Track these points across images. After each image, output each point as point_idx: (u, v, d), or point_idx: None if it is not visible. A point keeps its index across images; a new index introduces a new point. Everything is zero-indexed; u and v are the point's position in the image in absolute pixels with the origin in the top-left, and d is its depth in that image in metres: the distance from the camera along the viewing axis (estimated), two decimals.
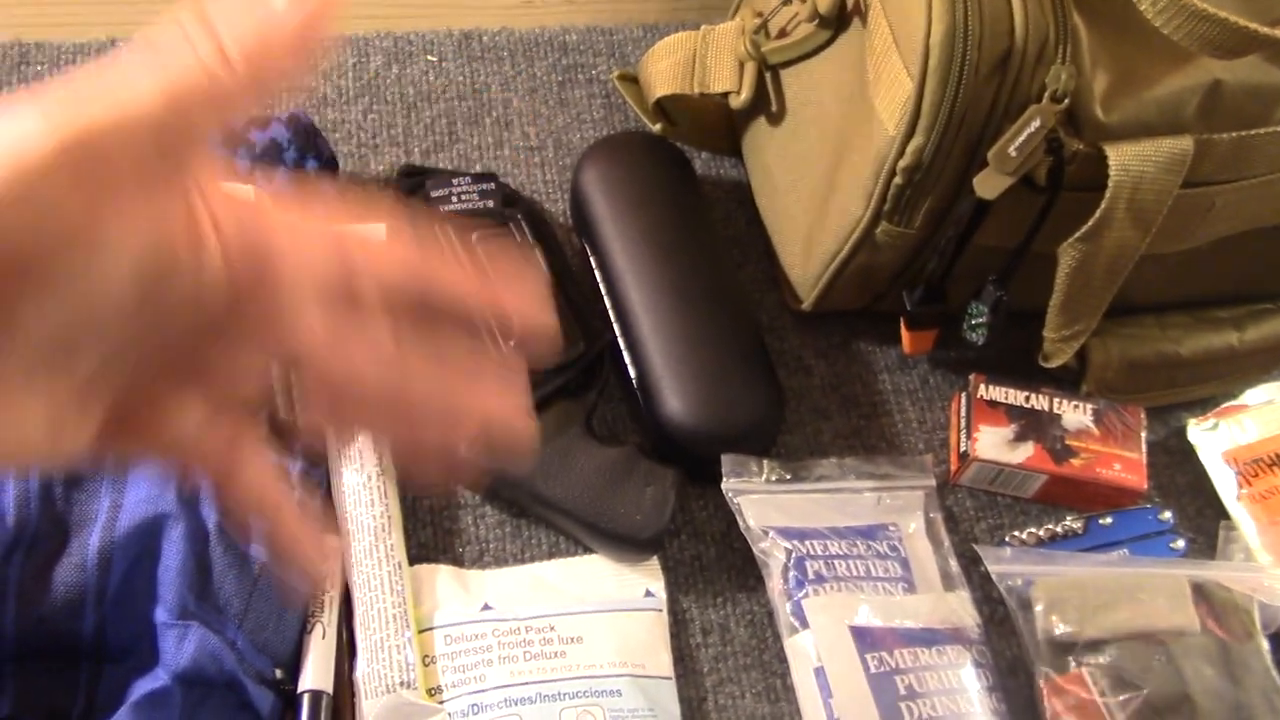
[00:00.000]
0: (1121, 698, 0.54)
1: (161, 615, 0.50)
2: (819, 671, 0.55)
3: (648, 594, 0.59)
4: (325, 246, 0.30)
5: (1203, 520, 0.66)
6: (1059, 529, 0.63)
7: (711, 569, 0.61)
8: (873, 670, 0.54)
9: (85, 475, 0.52)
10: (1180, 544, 0.63)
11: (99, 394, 0.28)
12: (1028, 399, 0.64)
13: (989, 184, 0.54)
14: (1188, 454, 0.67)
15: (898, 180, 0.57)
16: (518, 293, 0.33)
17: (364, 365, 0.31)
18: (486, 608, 0.57)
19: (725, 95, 0.67)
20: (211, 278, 0.28)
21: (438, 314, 0.32)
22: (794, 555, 0.58)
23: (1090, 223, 0.55)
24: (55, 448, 0.28)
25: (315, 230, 0.31)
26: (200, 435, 0.31)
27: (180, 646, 0.50)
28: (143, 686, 0.49)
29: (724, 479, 0.59)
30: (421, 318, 0.32)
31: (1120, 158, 0.54)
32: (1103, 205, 0.54)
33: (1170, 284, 0.65)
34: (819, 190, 0.63)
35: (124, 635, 0.51)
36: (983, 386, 0.64)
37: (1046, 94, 0.53)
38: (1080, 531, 0.63)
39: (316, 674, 0.53)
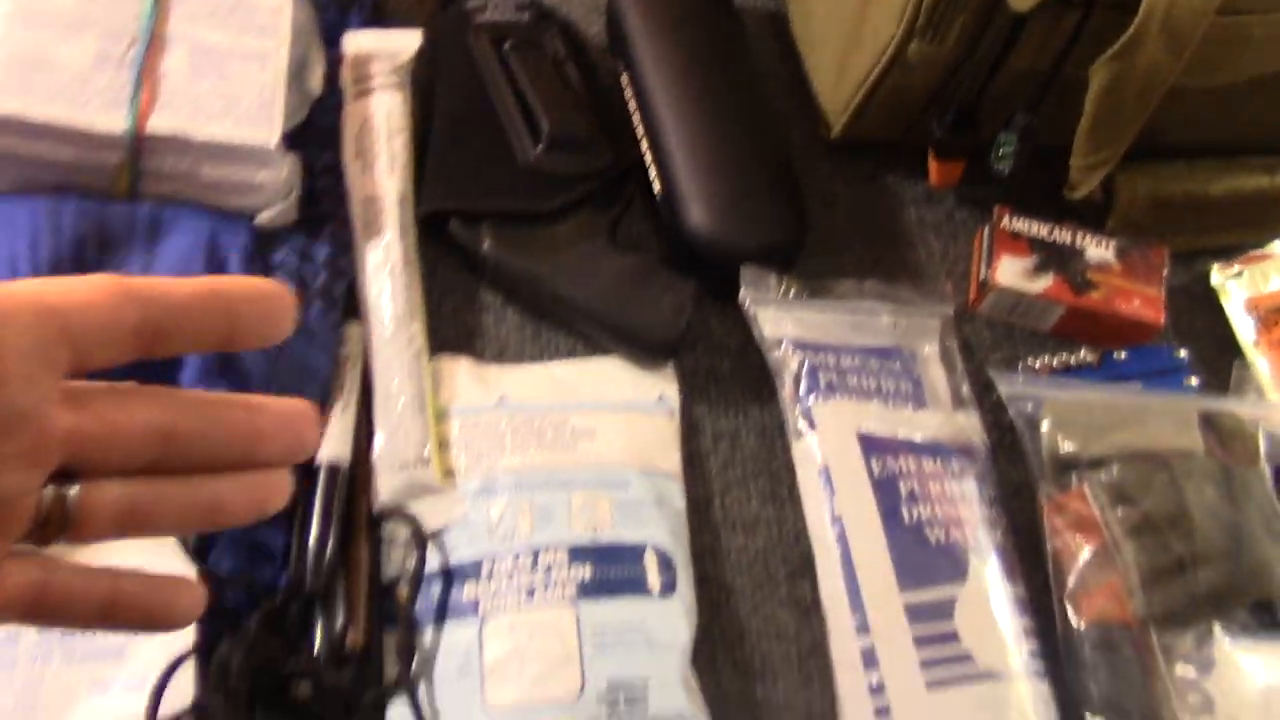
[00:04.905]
0: (1120, 512, 0.55)
1: (187, 376, 0.52)
2: (823, 471, 0.56)
3: (661, 398, 0.60)
4: (34, 319, 0.28)
5: (1220, 364, 0.66)
6: (1073, 360, 0.63)
7: (726, 381, 0.62)
8: (876, 474, 0.56)
9: (116, 236, 0.53)
10: (1194, 381, 0.63)
11: None
12: (1051, 232, 0.64)
13: None
14: (1209, 300, 0.67)
15: None
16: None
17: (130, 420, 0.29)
18: (503, 400, 0.59)
19: None
20: None
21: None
22: (807, 364, 0.59)
23: (1124, 38, 0.54)
24: None
25: (22, 303, 0.28)
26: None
27: None
28: None
29: (742, 289, 0.60)
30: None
31: None
32: (1136, 20, 0.54)
33: (1204, 125, 0.64)
34: (854, 13, 0.63)
35: None
36: (1006, 218, 0.64)
37: None
38: (1095, 364, 0.63)
39: (335, 446, 0.55)
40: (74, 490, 0.30)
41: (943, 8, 0.57)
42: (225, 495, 0.31)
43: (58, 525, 0.30)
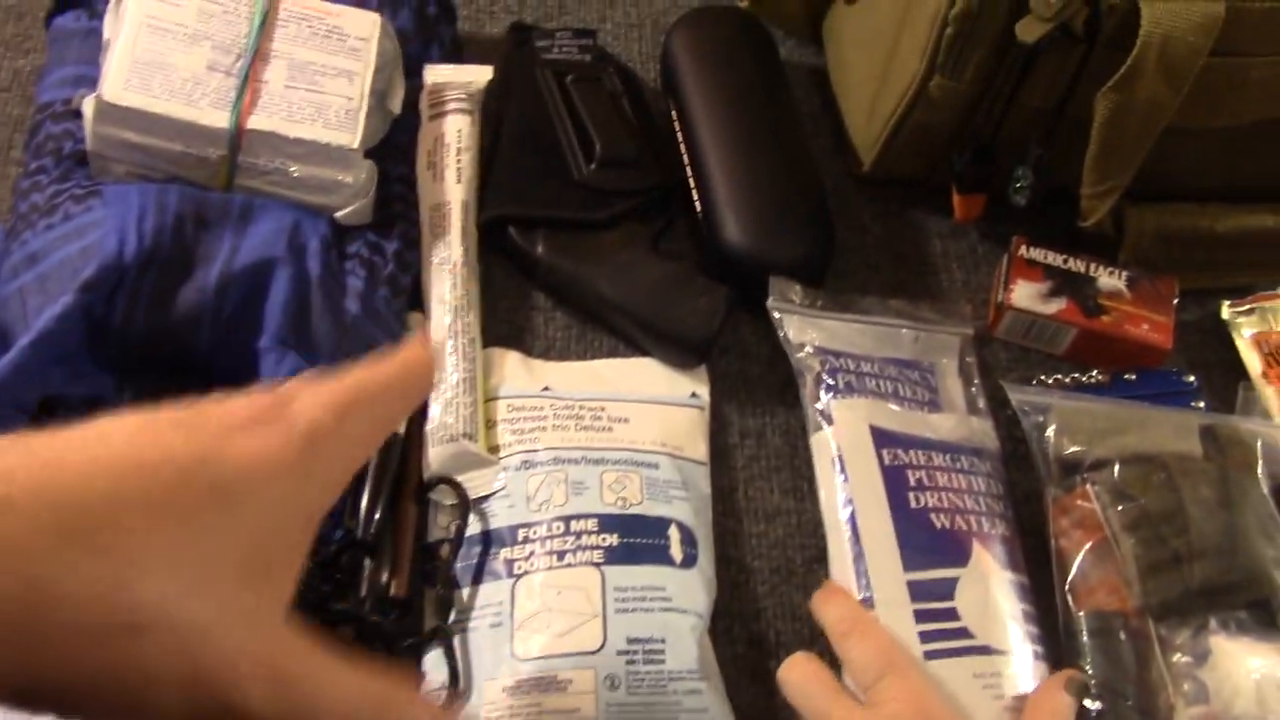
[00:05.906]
0: (1120, 508, 0.58)
1: (264, 342, 0.58)
2: (836, 459, 0.60)
3: (693, 395, 0.65)
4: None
5: (1228, 394, 0.69)
6: (1084, 379, 0.67)
7: (755, 385, 0.67)
8: (886, 462, 0.59)
9: (212, 218, 0.60)
10: (1201, 405, 0.66)
11: None
12: (1065, 261, 0.69)
13: (1029, 29, 0.60)
14: (1220, 336, 0.71)
15: (950, 30, 0.62)
16: None
17: None
18: (547, 389, 0.64)
19: None
20: None
21: None
22: (828, 365, 0.63)
23: (1122, 70, 0.59)
24: None
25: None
26: None
27: (278, 367, 0.57)
28: None
29: (770, 298, 0.65)
30: None
31: (1152, 13, 0.58)
32: (1134, 53, 0.59)
33: (1210, 169, 0.69)
34: (884, 57, 0.69)
35: (232, 357, 0.59)
36: (1024, 247, 0.69)
37: None
38: (1105, 384, 0.67)
39: None
40: None
41: (960, 43, 0.63)
42: None
43: None
